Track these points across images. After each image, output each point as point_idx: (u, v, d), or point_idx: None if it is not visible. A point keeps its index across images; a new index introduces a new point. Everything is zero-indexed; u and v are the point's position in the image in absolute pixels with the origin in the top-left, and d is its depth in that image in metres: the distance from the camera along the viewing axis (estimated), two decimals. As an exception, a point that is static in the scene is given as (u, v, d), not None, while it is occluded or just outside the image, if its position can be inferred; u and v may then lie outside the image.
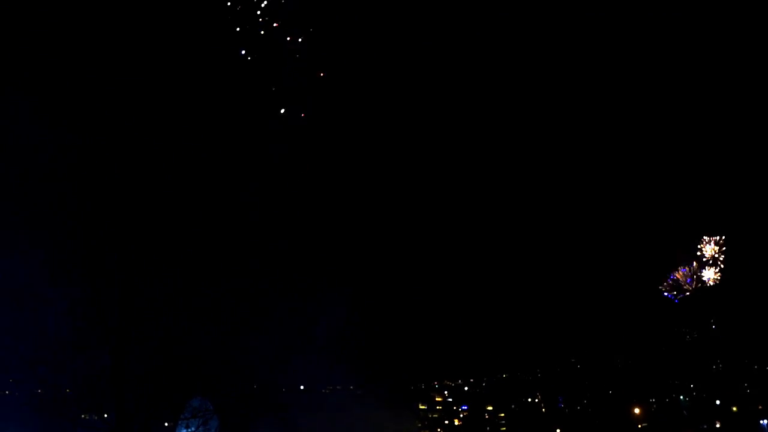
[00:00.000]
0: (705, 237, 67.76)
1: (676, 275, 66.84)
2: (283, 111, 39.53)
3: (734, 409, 57.22)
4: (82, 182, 30.36)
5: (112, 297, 27.59)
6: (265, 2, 37.81)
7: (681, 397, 59.07)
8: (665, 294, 66.17)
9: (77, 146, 31.28)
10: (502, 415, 60.03)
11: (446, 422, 59.77)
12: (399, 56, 50.84)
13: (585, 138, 60.60)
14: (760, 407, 55.78)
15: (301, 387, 49.16)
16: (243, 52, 38.55)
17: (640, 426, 58.11)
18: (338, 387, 54.13)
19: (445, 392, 60.99)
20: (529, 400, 60.72)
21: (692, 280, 65.88)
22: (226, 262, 35.57)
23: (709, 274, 66.57)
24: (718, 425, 56.70)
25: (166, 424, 29.06)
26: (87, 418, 26.52)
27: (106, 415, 25.97)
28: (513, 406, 60.44)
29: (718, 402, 57.57)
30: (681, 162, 62.31)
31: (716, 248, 67.66)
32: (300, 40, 40.78)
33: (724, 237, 67.49)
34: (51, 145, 31.35)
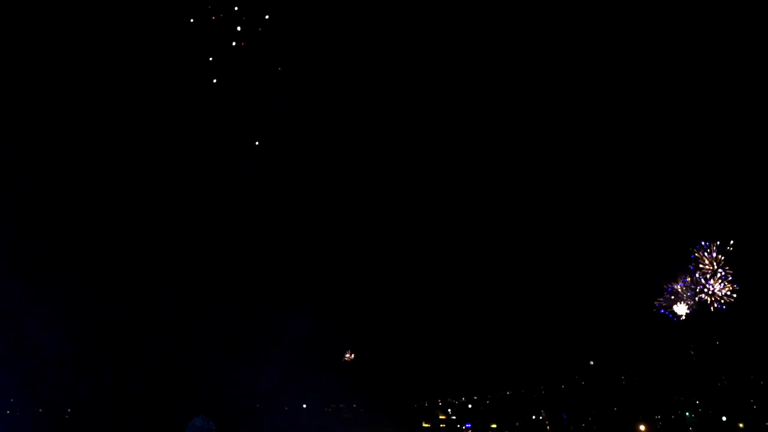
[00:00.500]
0: (702, 242, 62.54)
1: (676, 288, 63.11)
2: (257, 143, 39.02)
3: (741, 425, 56.64)
4: (84, 199, 30.39)
5: (114, 316, 27.62)
6: (239, 27, 37.65)
7: (687, 413, 58.51)
8: (663, 312, 62.23)
9: (80, 162, 31.27)
10: (507, 432, 59.60)
11: (450, 440, 59.32)
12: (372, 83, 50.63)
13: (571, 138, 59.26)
14: (767, 423, 55.21)
15: (304, 405, 48.74)
16: (215, 80, 38.21)
17: (645, 443, 57.70)
18: (341, 405, 53.72)
19: (449, 410, 60.49)
20: (534, 417, 60.22)
21: (694, 293, 62.07)
22: (229, 281, 35.49)
23: (715, 287, 62.19)
24: (724, 442, 56.20)
25: (167, 444, 28.89)
26: (88, 438, 26.34)
27: (107, 435, 25.79)
28: (517, 424, 59.93)
29: (724, 418, 57.00)
30: (677, 159, 58.86)
31: (718, 256, 62.62)
32: (280, 69, 40.48)
33: (721, 243, 62.44)
34: (50, 159, 31.32)
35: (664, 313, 61.89)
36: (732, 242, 61.74)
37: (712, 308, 61.66)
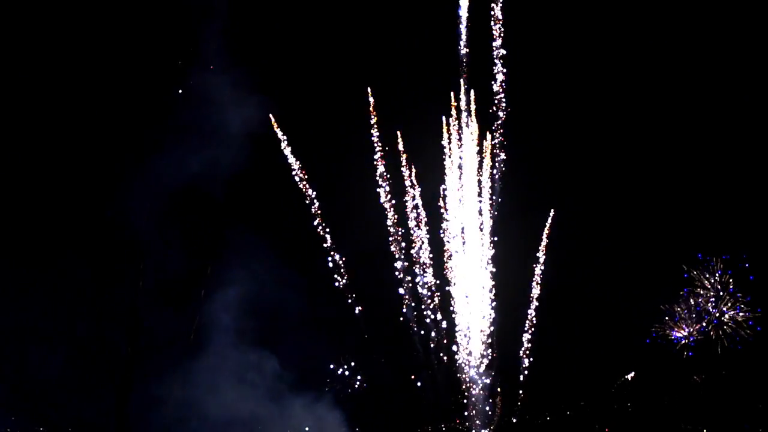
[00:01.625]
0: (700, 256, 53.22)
1: (675, 312, 55.03)
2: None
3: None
4: (89, 221, 29.90)
5: (116, 338, 27.30)
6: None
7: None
8: (659, 341, 55.25)
9: (84, 184, 30.85)
10: (512, 460, 58.45)
11: (454, 468, 58.06)
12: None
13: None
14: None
15: (306, 429, 47.58)
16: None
17: (651, 471, 56.56)
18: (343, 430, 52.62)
19: (453, 437, 59.38)
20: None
21: (698, 318, 54.32)
22: (233, 303, 34.88)
23: (724, 312, 53.13)
24: (731, 471, 54.89)
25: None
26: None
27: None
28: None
29: (732, 447, 55.70)
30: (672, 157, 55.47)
31: (724, 276, 52.83)
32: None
33: (731, 258, 52.33)
34: (54, 180, 31.10)
35: (660, 342, 55.96)
36: (745, 257, 51.91)
37: (719, 345, 53.89)
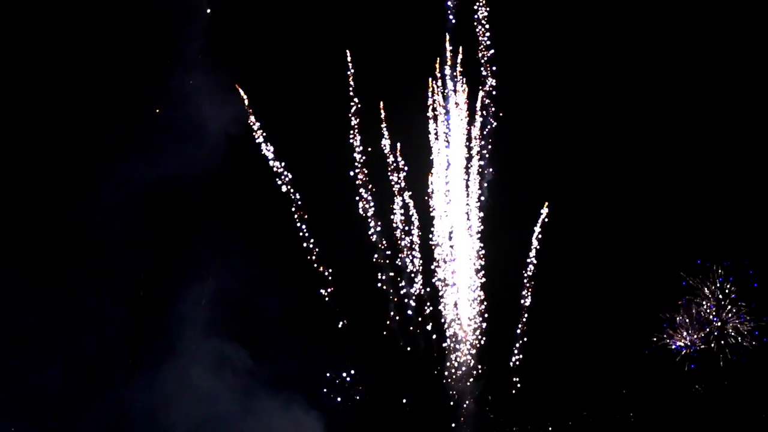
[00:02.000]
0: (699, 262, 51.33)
1: (676, 319, 53.39)
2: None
3: (751, 468, 54.60)
4: (89, 229, 29.62)
5: (118, 347, 27.38)
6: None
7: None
8: (658, 352, 53.96)
9: (83, 193, 30.85)
10: (514, 471, 57.42)
11: (456, 479, 56.84)
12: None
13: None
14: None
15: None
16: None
17: (654, 481, 55.70)
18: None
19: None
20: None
21: (698, 324, 52.80)
22: (235, 312, 34.93)
23: (727, 321, 51.40)
24: (732, 481, 54.13)
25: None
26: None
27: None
28: (524, 463, 57.78)
29: (734, 460, 54.84)
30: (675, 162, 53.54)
31: (725, 284, 50.96)
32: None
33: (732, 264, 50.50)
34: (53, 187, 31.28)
35: (659, 353, 54.40)
36: (748, 263, 50.29)
37: (722, 356, 52.25)
